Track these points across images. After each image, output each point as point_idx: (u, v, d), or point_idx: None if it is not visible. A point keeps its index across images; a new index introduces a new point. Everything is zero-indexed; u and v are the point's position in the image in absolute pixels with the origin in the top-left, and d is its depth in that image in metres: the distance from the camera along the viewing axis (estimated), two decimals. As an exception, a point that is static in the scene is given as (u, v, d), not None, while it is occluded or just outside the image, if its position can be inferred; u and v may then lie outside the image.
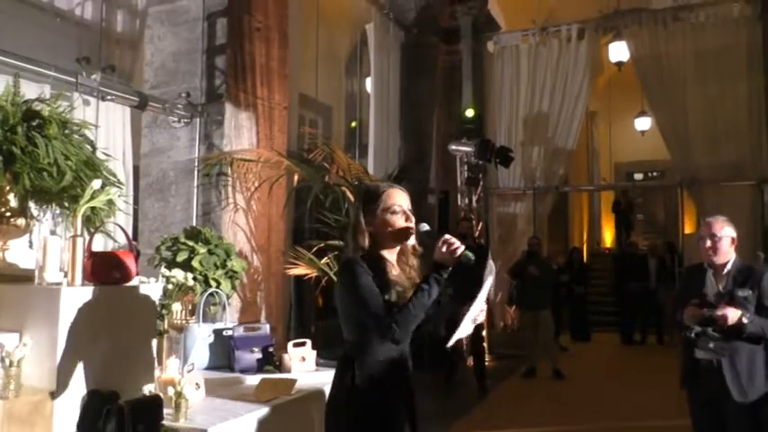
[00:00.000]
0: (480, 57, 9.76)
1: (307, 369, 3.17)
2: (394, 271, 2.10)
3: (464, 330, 2.09)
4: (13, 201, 2.51)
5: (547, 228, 10.06)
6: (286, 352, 3.20)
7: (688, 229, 9.97)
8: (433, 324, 2.15)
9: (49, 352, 2.16)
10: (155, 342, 2.62)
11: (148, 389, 2.32)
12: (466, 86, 9.42)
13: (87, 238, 2.40)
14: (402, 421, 2.08)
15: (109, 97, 4.37)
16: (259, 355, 3.16)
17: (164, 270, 3.20)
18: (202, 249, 3.64)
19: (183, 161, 4.93)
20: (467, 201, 8.85)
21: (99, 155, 2.76)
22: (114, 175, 2.78)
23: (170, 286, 3.04)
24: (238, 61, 4.98)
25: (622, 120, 14.66)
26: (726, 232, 3.16)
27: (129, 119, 4.69)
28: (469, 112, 9.16)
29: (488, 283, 2.07)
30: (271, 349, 3.22)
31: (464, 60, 9.49)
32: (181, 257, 3.58)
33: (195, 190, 4.88)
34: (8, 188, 2.47)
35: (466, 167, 8.64)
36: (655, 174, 15.93)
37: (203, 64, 4.96)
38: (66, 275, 2.34)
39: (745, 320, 2.95)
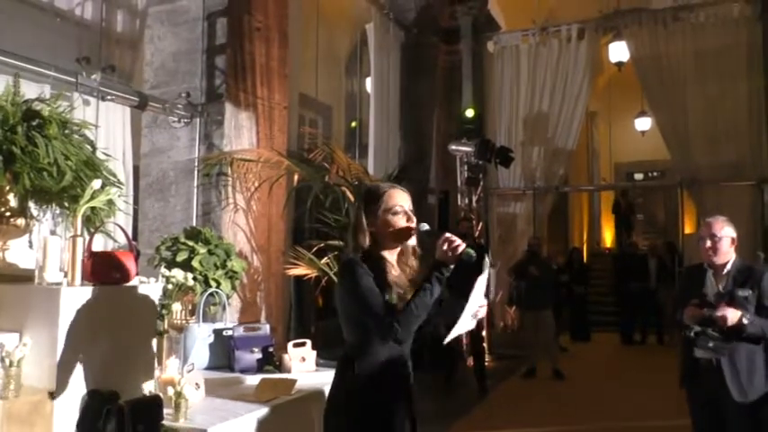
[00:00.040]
0: (480, 57, 9.76)
1: (307, 369, 3.16)
2: (394, 271, 2.10)
3: (463, 326, 2.09)
4: (12, 201, 2.51)
5: (547, 228, 10.07)
6: (286, 352, 3.20)
7: (688, 230, 9.97)
8: (434, 324, 2.15)
9: (48, 352, 2.16)
10: (155, 342, 2.62)
11: (148, 389, 2.32)
12: (466, 86, 9.42)
13: (87, 238, 2.40)
14: (402, 421, 2.08)
15: (109, 97, 4.37)
16: (259, 356, 3.16)
17: (164, 270, 3.20)
18: (202, 249, 3.64)
19: (183, 161, 4.93)
20: (467, 201, 8.84)
21: (99, 155, 2.76)
22: (114, 175, 2.78)
23: (170, 286, 3.03)
24: (238, 61, 4.98)
25: (622, 120, 14.65)
26: (726, 232, 3.16)
27: (129, 119, 4.69)
28: (469, 112, 9.16)
29: (484, 277, 2.07)
30: (271, 349, 3.22)
31: (464, 60, 9.49)
32: (181, 257, 3.58)
33: (195, 190, 4.88)
34: (8, 188, 2.47)
35: (466, 167, 8.64)
36: (655, 174, 15.93)
37: (203, 64, 4.96)
38: (66, 275, 2.34)
39: (745, 321, 2.95)
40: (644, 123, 13.65)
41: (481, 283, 2.06)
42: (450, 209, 9.25)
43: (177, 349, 3.00)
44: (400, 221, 2.10)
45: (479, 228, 8.61)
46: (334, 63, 9.18)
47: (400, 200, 2.13)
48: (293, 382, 2.78)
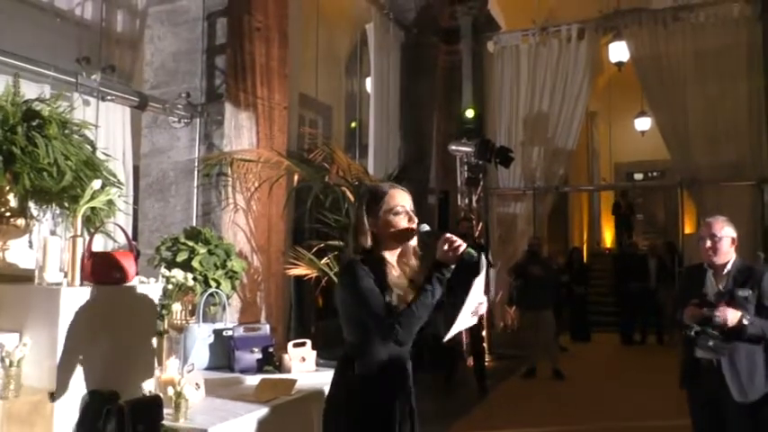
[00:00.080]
0: (480, 57, 9.76)
1: (307, 369, 3.17)
2: (394, 272, 2.10)
3: (463, 323, 2.08)
4: (12, 201, 2.51)
5: (547, 228, 10.07)
6: (286, 352, 3.20)
7: (688, 230, 9.97)
8: (435, 325, 2.15)
9: (48, 352, 2.16)
10: (155, 342, 2.62)
11: (148, 389, 2.32)
12: (466, 86, 9.42)
13: (87, 238, 2.40)
14: (402, 421, 2.08)
15: (109, 97, 4.37)
16: (259, 356, 3.16)
17: (164, 270, 3.20)
18: (202, 249, 3.64)
19: (183, 161, 4.93)
20: (467, 201, 8.84)
21: (99, 155, 2.76)
22: (114, 176, 2.78)
23: (170, 286, 3.04)
24: (238, 61, 4.98)
25: (622, 120, 14.66)
26: (726, 232, 3.16)
27: (129, 119, 4.69)
28: (469, 113, 9.16)
29: (482, 275, 2.07)
30: (271, 349, 3.22)
31: (464, 60, 9.49)
32: (181, 258, 3.58)
33: (195, 190, 4.88)
34: (8, 188, 2.47)
35: (466, 167, 8.63)
36: (655, 174, 15.93)
37: (203, 64, 4.96)
38: (66, 275, 2.34)
39: (745, 322, 2.95)
40: (644, 123, 13.65)
41: (479, 281, 2.06)
42: (450, 209, 9.24)
43: (177, 349, 3.00)
44: (401, 222, 2.10)
45: (479, 228, 8.60)
46: (334, 63, 9.18)
47: (401, 200, 2.12)
48: (293, 382, 2.78)
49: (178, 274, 3.11)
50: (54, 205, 2.62)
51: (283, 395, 2.66)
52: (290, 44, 5.69)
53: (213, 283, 3.55)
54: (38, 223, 2.72)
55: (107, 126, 4.41)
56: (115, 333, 2.35)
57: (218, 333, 3.22)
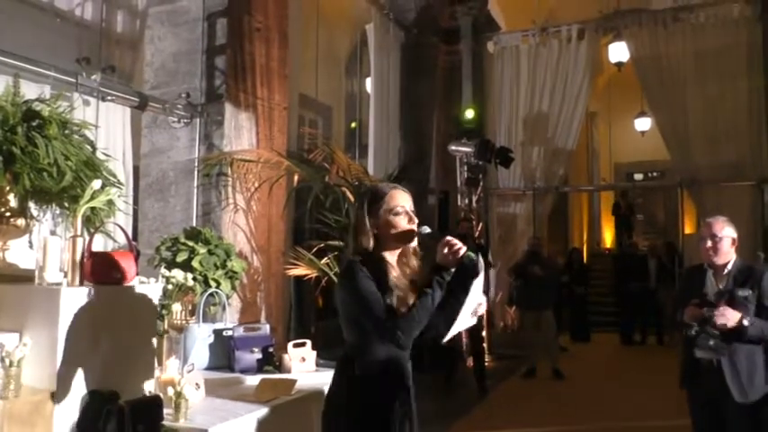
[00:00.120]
0: (480, 57, 9.76)
1: (307, 369, 3.17)
2: (394, 272, 2.10)
3: (462, 324, 2.09)
4: (13, 201, 2.51)
5: (547, 228, 10.07)
6: (286, 352, 3.20)
7: (688, 230, 9.98)
8: (435, 327, 2.14)
9: (49, 352, 2.16)
10: (155, 342, 2.62)
11: (148, 389, 2.32)
12: (466, 87, 9.42)
13: (87, 238, 2.40)
14: (401, 421, 2.08)
15: (109, 98, 4.37)
16: (259, 356, 3.16)
17: (163, 270, 3.20)
18: (202, 250, 3.64)
19: (183, 161, 4.93)
20: (467, 201, 8.84)
21: (99, 155, 2.76)
22: (114, 176, 2.79)
23: (170, 286, 3.04)
24: (238, 61, 4.98)
25: (622, 120, 14.66)
26: (726, 233, 3.16)
27: (129, 119, 4.69)
28: (469, 113, 9.17)
29: (481, 276, 2.07)
30: (271, 349, 3.22)
31: (464, 61, 9.49)
32: (181, 258, 3.58)
33: (195, 190, 4.88)
34: (8, 188, 2.47)
35: (466, 168, 8.63)
36: (655, 174, 15.93)
37: (203, 64, 4.96)
38: (66, 276, 2.34)
39: (745, 323, 2.95)
40: (644, 123, 13.65)
41: (478, 282, 2.06)
42: (450, 209, 9.25)
43: (177, 349, 3.00)
44: (402, 222, 2.10)
45: (479, 228, 8.61)
46: (334, 63, 9.18)
47: (402, 200, 2.12)
48: (293, 382, 2.78)
49: (178, 274, 3.11)
50: (54, 205, 2.62)
51: (283, 395, 2.67)
52: (290, 44, 5.69)
53: (213, 284, 3.55)
54: (38, 223, 2.72)
55: (107, 126, 4.41)
56: (115, 333, 2.35)
57: (218, 333, 3.22)
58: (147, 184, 5.01)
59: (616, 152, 15.54)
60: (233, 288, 3.83)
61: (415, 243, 2.14)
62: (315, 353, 3.26)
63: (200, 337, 3.16)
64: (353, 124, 9.24)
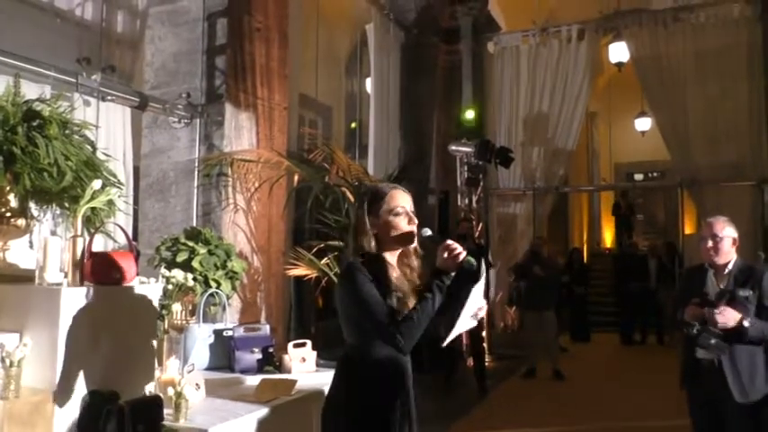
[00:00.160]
0: (480, 57, 9.76)
1: (307, 370, 3.17)
2: (394, 273, 2.10)
3: (462, 327, 2.09)
4: (13, 201, 2.51)
5: (547, 228, 10.06)
6: (286, 352, 3.20)
7: (688, 230, 9.98)
8: (435, 324, 2.15)
9: (49, 352, 2.16)
10: (155, 342, 2.62)
11: (149, 389, 2.32)
12: (466, 87, 9.42)
13: (87, 238, 2.40)
14: (401, 421, 2.08)
15: (109, 98, 4.38)
16: (259, 356, 3.16)
17: (164, 270, 3.20)
18: (202, 250, 3.64)
19: (184, 162, 4.93)
20: (467, 201, 8.84)
21: (99, 155, 2.76)
22: (114, 176, 2.79)
23: (170, 287, 3.04)
24: (238, 62, 4.99)
25: (622, 120, 14.66)
26: (727, 232, 3.16)
27: (129, 119, 4.69)
28: (469, 113, 9.16)
29: (481, 281, 2.07)
30: (271, 350, 3.22)
31: (464, 61, 9.49)
32: (181, 258, 3.58)
33: (195, 190, 4.88)
34: (8, 188, 2.47)
35: (466, 168, 8.63)
36: (655, 174, 15.93)
37: (203, 64, 4.96)
38: (66, 276, 2.34)
39: (746, 324, 2.94)
40: (644, 124, 13.65)
41: (479, 287, 2.06)
42: (450, 209, 9.25)
43: (177, 350, 3.00)
44: (402, 223, 2.10)
45: (479, 228, 8.61)
46: (335, 63, 9.18)
47: (402, 201, 2.12)
48: (293, 382, 2.79)
49: (178, 274, 3.12)
50: (54, 205, 2.62)
51: (283, 395, 2.67)
52: (290, 45, 5.69)
53: (213, 284, 3.55)
54: (38, 223, 2.72)
55: (107, 126, 4.41)
56: (115, 333, 2.35)
57: (218, 333, 3.22)
58: (147, 184, 5.01)
59: (616, 152, 15.54)
60: (233, 288, 3.83)
61: (414, 244, 2.14)
62: (315, 353, 3.26)
63: (201, 337, 3.16)
64: (353, 124, 9.24)
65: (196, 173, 4.88)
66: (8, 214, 2.50)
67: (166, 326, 2.95)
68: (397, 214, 2.10)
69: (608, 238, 16.45)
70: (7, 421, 2.01)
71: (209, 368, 3.13)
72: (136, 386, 2.35)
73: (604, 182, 16.22)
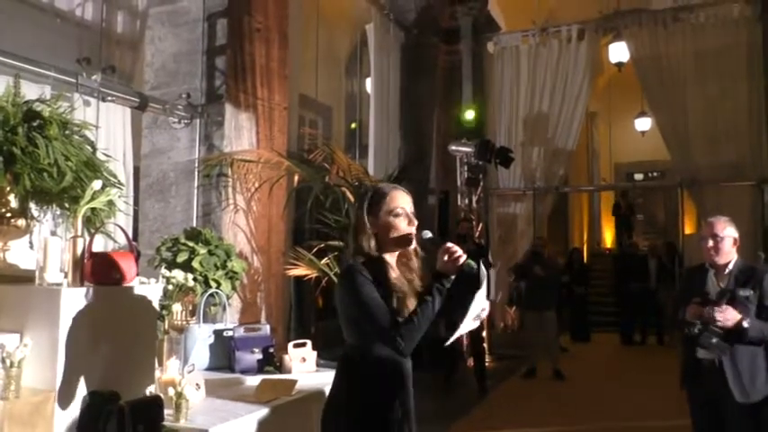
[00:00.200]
0: (480, 57, 9.76)
1: (307, 370, 3.17)
2: (393, 274, 2.10)
3: (465, 328, 2.09)
4: (13, 201, 2.51)
5: (547, 228, 10.06)
6: (286, 353, 3.20)
7: (688, 230, 9.98)
8: (436, 328, 2.14)
9: (49, 353, 2.16)
10: (155, 343, 2.62)
11: (149, 389, 2.32)
12: (466, 87, 9.42)
13: (88, 238, 2.40)
14: (401, 422, 2.08)
15: (109, 98, 4.38)
16: (259, 356, 3.16)
17: (164, 271, 3.21)
18: (202, 250, 3.64)
19: (184, 162, 4.93)
20: (467, 201, 8.84)
21: (99, 156, 2.76)
22: (114, 176, 2.78)
23: (170, 287, 3.04)
24: (238, 62, 4.99)
25: (622, 120, 14.66)
26: (728, 232, 3.16)
27: (129, 120, 4.70)
28: (469, 113, 9.17)
29: (484, 285, 2.07)
30: (271, 350, 3.22)
31: (464, 61, 9.49)
32: (181, 258, 3.58)
33: (195, 191, 4.89)
34: (9, 189, 2.47)
35: (466, 168, 8.63)
36: (655, 174, 15.93)
37: (203, 65, 4.96)
38: (66, 276, 2.34)
39: (745, 324, 2.94)
40: (644, 124, 13.66)
41: (483, 287, 2.05)
42: (450, 209, 9.25)
43: (178, 350, 3.00)
44: (401, 224, 2.10)
45: (479, 228, 8.61)
46: (334, 64, 9.18)
47: (402, 202, 2.12)
48: (293, 382, 2.79)
49: (178, 274, 3.12)
50: (54, 206, 2.62)
51: (284, 396, 2.67)
52: (290, 45, 5.69)
53: (213, 284, 3.56)
54: (38, 224, 2.72)
55: (107, 127, 4.41)
56: (116, 334, 2.35)
57: (218, 333, 3.22)
58: (147, 184, 5.01)
59: (616, 152, 15.54)
60: (233, 288, 3.83)
61: (413, 246, 2.14)
62: (315, 353, 3.26)
63: (201, 337, 3.16)
64: (353, 124, 9.24)
65: (196, 173, 4.88)
66: (8, 215, 2.50)
67: (167, 326, 2.95)
68: (396, 215, 2.09)
69: (608, 238, 16.46)
70: (7, 422, 2.01)
71: (209, 368, 3.13)
72: (136, 386, 2.35)
73: (604, 182, 16.22)
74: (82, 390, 2.19)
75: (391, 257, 2.13)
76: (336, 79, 9.36)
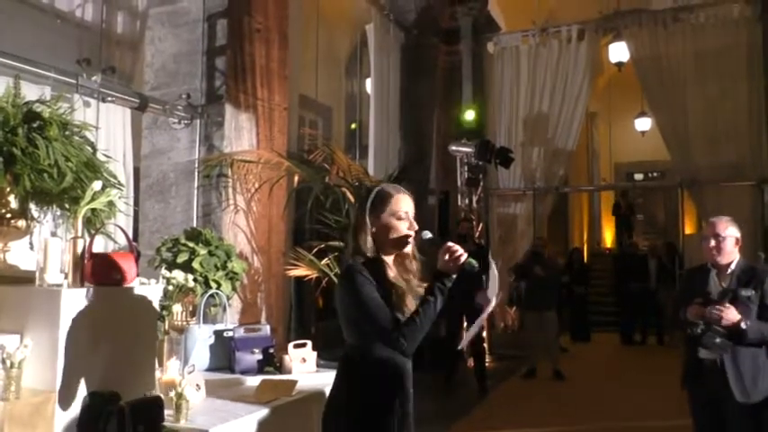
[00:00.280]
0: (480, 57, 9.76)
1: (307, 370, 3.17)
2: (391, 272, 2.11)
3: (474, 331, 2.10)
4: (13, 202, 2.51)
5: (547, 228, 10.06)
6: (286, 353, 3.20)
7: (688, 230, 9.98)
8: (436, 328, 2.15)
9: (49, 353, 2.16)
10: (155, 343, 2.62)
11: (149, 390, 2.32)
12: (466, 87, 9.42)
13: (88, 239, 2.40)
14: (401, 422, 2.08)
15: (109, 99, 4.38)
16: (259, 357, 3.16)
17: (164, 271, 3.21)
18: (203, 251, 3.64)
19: (184, 162, 4.93)
20: (467, 201, 8.85)
21: (99, 156, 2.76)
22: (115, 177, 2.79)
23: (170, 287, 3.04)
24: (238, 62, 4.99)
25: (622, 120, 14.66)
26: (730, 232, 3.15)
27: (129, 120, 4.70)
28: (469, 113, 9.17)
29: (496, 288, 2.07)
30: (271, 350, 3.22)
31: (464, 61, 9.49)
32: (181, 259, 3.58)
33: (195, 191, 4.89)
34: (9, 190, 2.47)
35: (466, 168, 8.64)
36: (655, 174, 15.93)
37: (203, 65, 4.96)
38: (66, 277, 2.34)
39: (743, 326, 2.94)
40: (644, 124, 13.65)
41: (493, 287, 2.06)
42: (450, 209, 9.25)
43: (178, 350, 3.00)
44: (402, 227, 2.10)
45: (479, 228, 8.61)
46: (335, 64, 9.18)
47: (405, 206, 2.12)
48: (294, 383, 2.79)
49: (179, 275, 3.12)
50: (55, 206, 2.62)
51: (284, 396, 2.67)
52: (290, 45, 5.69)
53: (214, 284, 3.56)
54: (38, 225, 2.72)
55: (107, 127, 4.41)
56: (116, 334, 2.36)
57: (218, 334, 3.22)
58: (147, 185, 5.01)
59: (616, 152, 15.54)
60: (233, 289, 3.83)
61: (408, 249, 2.14)
62: (315, 353, 3.26)
63: (201, 338, 3.16)
64: (353, 125, 9.24)
65: (196, 174, 4.88)
66: (8, 215, 2.50)
67: (167, 327, 2.95)
68: (399, 218, 2.10)
69: (608, 238, 16.46)
70: (8, 422, 2.01)
71: (209, 369, 3.13)
72: (136, 387, 2.35)
73: (604, 182, 16.22)
74: (82, 390, 2.19)
75: (388, 258, 2.13)
76: (336, 80, 9.36)
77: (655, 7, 9.20)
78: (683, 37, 8.68)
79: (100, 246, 2.98)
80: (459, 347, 2.21)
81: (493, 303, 2.12)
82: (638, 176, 16.50)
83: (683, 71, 8.63)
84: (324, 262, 4.77)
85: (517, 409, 6.31)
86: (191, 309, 3.14)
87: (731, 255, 3.16)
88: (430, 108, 9.31)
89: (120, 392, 2.14)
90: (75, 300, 2.21)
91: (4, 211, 2.50)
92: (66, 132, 2.58)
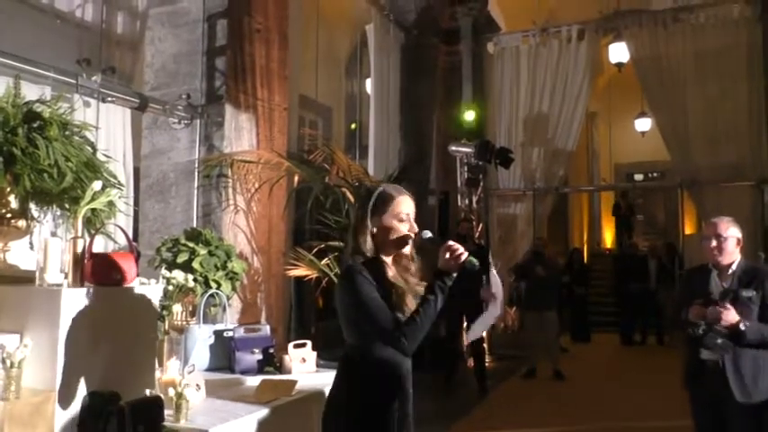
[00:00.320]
0: (480, 58, 9.76)
1: (307, 370, 3.17)
2: (390, 272, 2.11)
3: (481, 329, 2.11)
4: (13, 202, 2.51)
5: (547, 229, 10.06)
6: (286, 353, 3.20)
7: (688, 230, 9.98)
8: (436, 328, 2.15)
9: (49, 353, 2.16)
10: (155, 343, 2.62)
11: (149, 390, 2.32)
12: (466, 87, 9.42)
13: (88, 239, 2.40)
14: (401, 422, 2.08)
15: (109, 99, 4.38)
16: (259, 357, 3.16)
17: (164, 271, 3.21)
18: (203, 251, 3.64)
19: (184, 162, 4.94)
20: (467, 202, 8.85)
21: (99, 156, 2.76)
22: (115, 177, 2.79)
23: (170, 287, 3.04)
24: (238, 63, 4.99)
25: (622, 121, 14.66)
26: (731, 233, 3.14)
27: (129, 120, 4.70)
28: (469, 114, 9.17)
29: (499, 286, 2.08)
30: (271, 350, 3.22)
31: (464, 61, 9.49)
32: (181, 259, 3.58)
33: (195, 191, 4.89)
34: (9, 189, 2.47)
35: (466, 168, 8.63)
36: (655, 175, 15.93)
37: (203, 65, 4.97)
38: (66, 277, 2.34)
39: (742, 327, 2.93)
40: (644, 124, 13.65)
41: (497, 286, 2.07)
42: (450, 210, 9.25)
43: (178, 350, 3.00)
44: (403, 229, 2.10)
45: (479, 229, 8.61)
46: (335, 64, 9.19)
47: (407, 208, 2.13)
48: (294, 383, 2.79)
49: (179, 275, 3.12)
50: (55, 206, 2.62)
51: (284, 396, 2.67)
52: (290, 46, 5.70)
53: (214, 284, 3.56)
54: (38, 224, 2.72)
55: (107, 127, 4.42)
56: (116, 334, 2.36)
57: (218, 334, 3.22)
58: (147, 185, 5.01)
59: (616, 153, 15.54)
60: (233, 289, 3.83)
61: (407, 249, 2.14)
62: (315, 353, 3.26)
63: (201, 338, 3.16)
64: (353, 125, 9.24)
65: (196, 174, 4.89)
66: (8, 215, 2.50)
67: (167, 327, 2.95)
68: (401, 220, 2.10)
69: (608, 238, 16.45)
70: (8, 422, 2.01)
71: (209, 369, 3.13)
72: (136, 387, 2.35)
73: (604, 182, 16.22)
74: (82, 390, 2.19)
75: (387, 258, 2.14)
76: (336, 80, 9.37)
77: (655, 7, 9.21)
78: (683, 37, 8.68)
79: (100, 246, 2.98)
80: (467, 343, 2.22)
81: (499, 301, 2.12)
82: (638, 177, 16.50)
83: (683, 71, 8.63)
84: (324, 262, 4.77)
85: (517, 409, 6.31)
86: (191, 309, 3.14)
87: (732, 255, 3.15)
88: (430, 108, 9.31)
89: (120, 392, 2.14)
90: (75, 300, 2.21)
91: (4, 211, 2.50)
92: (67, 132, 2.58)
